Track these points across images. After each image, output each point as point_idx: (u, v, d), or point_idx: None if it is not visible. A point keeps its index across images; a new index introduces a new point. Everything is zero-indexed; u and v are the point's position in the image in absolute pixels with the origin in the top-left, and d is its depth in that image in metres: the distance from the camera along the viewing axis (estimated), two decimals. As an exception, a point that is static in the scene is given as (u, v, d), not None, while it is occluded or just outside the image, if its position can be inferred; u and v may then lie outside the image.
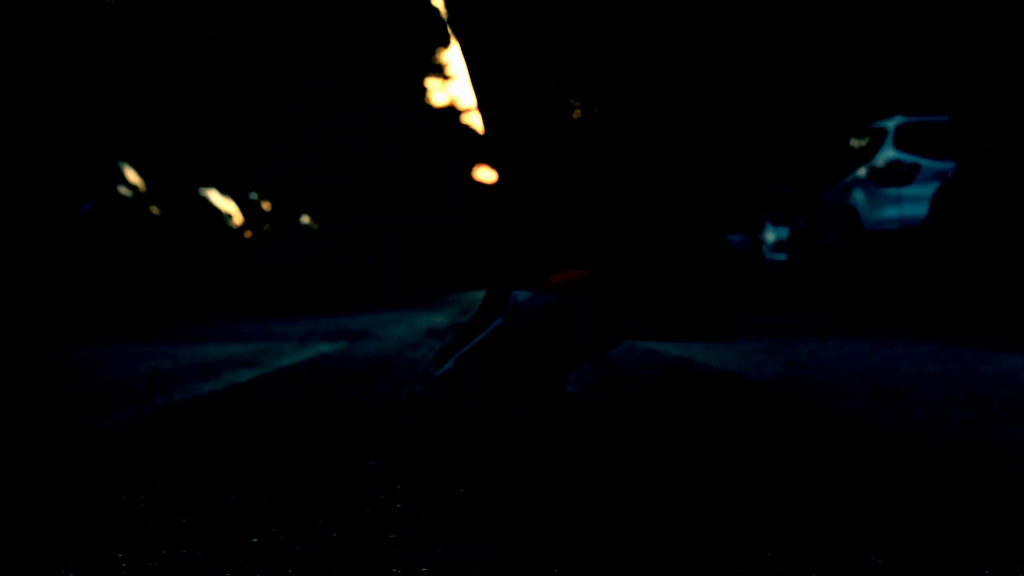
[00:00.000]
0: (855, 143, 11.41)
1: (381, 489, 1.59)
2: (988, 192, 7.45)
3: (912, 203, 9.85)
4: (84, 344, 5.68)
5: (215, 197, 15.54)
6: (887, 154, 10.20)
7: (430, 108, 33.18)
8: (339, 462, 1.82)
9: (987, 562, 1.16)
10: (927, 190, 9.66)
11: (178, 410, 2.60)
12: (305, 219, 20.24)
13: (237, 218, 16.26)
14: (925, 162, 9.98)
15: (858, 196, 10.45)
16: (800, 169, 20.44)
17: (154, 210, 12.25)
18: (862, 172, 10.55)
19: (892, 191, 10.02)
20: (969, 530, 1.30)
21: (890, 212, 10.00)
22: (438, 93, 32.86)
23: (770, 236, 17.07)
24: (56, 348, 5.37)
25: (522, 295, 1.97)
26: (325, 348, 5.09)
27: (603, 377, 3.37)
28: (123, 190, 11.48)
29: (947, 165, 9.68)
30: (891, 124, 10.55)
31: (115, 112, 19.01)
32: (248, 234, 16.62)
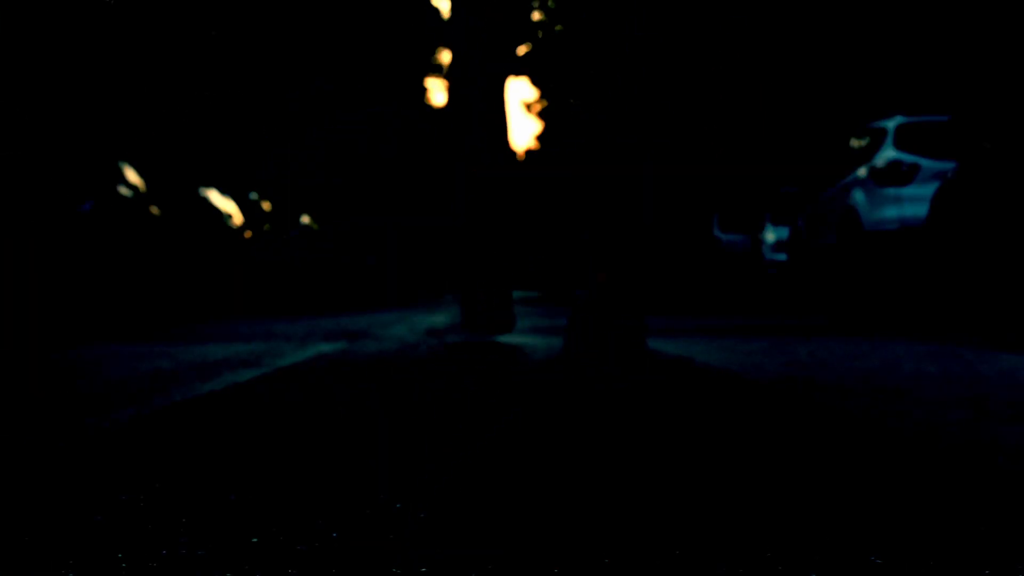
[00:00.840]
0: (855, 143, 11.41)
1: (381, 489, 1.59)
2: (988, 192, 7.45)
3: (912, 203, 9.85)
4: (84, 344, 5.68)
5: (215, 197, 15.54)
6: (887, 154, 10.20)
7: (430, 108, 33.20)
8: (339, 462, 1.82)
9: (987, 562, 1.16)
10: (927, 190, 9.66)
11: (178, 410, 2.60)
12: (305, 219, 20.25)
13: (237, 218, 16.26)
14: (925, 162, 9.97)
15: (858, 196, 10.45)
16: (800, 169, 20.44)
17: (154, 210, 12.25)
18: (862, 172, 10.55)
19: (892, 191, 10.01)
20: (969, 530, 1.30)
21: (890, 212, 9.99)
22: (438, 93, 32.85)
23: (770, 236, 17.06)
24: (56, 348, 5.37)
25: None
26: (325, 348, 5.09)
27: (602, 375, 3.37)
28: (123, 190, 11.48)
29: (947, 165, 9.68)
30: (891, 124, 10.55)
31: (115, 112, 19.00)
32: (248, 234, 16.63)
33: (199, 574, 1.15)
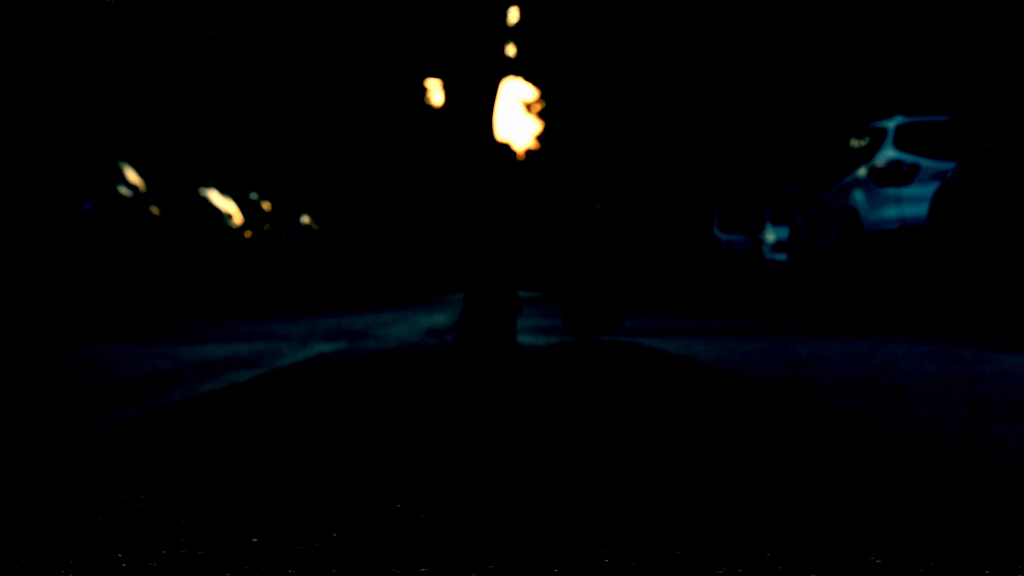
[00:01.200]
0: (855, 143, 11.41)
1: (381, 489, 1.59)
2: (988, 192, 7.45)
3: (912, 203, 9.86)
4: (84, 344, 5.68)
5: (215, 197, 15.54)
6: (887, 154, 10.20)
7: (430, 108, 33.20)
8: (339, 462, 1.82)
9: (987, 562, 1.16)
10: (927, 190, 9.67)
11: (178, 410, 2.60)
12: (305, 219, 20.24)
13: (237, 218, 16.26)
14: (925, 162, 9.98)
15: (858, 196, 10.45)
16: (800, 169, 20.45)
17: (154, 210, 12.25)
18: (862, 172, 10.55)
19: (892, 191, 10.02)
20: (969, 530, 1.30)
21: (890, 212, 10.00)
22: (438, 93, 32.89)
23: (770, 236, 17.07)
24: (56, 347, 5.37)
25: None
26: (325, 348, 5.09)
27: (603, 375, 3.37)
28: (123, 190, 11.48)
29: (947, 165, 9.69)
30: (891, 124, 10.55)
31: (115, 112, 19.00)
32: (248, 234, 16.63)
33: (199, 574, 1.15)
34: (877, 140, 10.70)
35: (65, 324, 8.39)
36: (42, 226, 10.02)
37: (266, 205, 18.46)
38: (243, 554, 1.23)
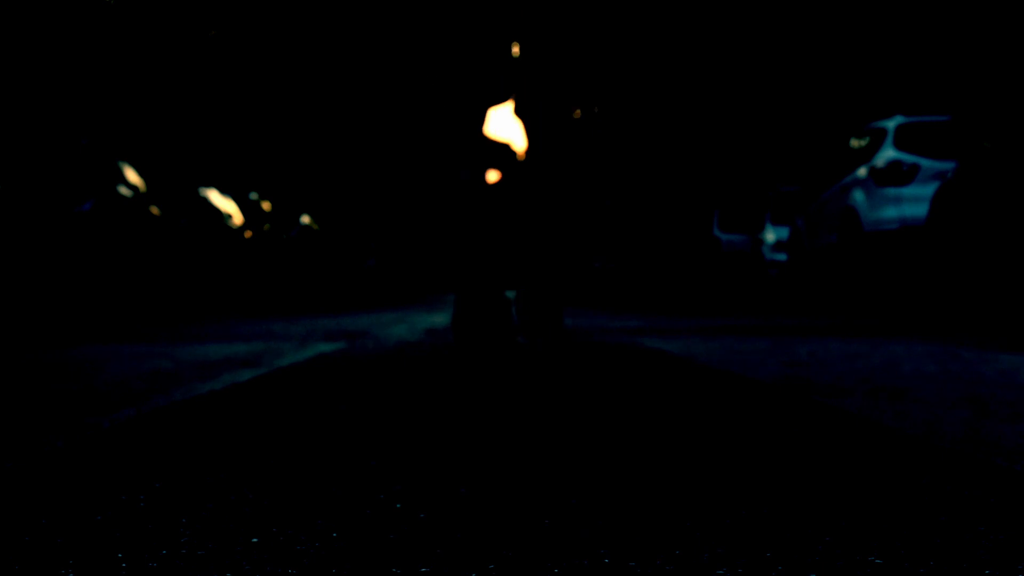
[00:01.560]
0: (855, 143, 11.41)
1: (381, 489, 1.59)
2: (988, 192, 7.45)
3: (912, 203, 9.86)
4: (84, 344, 5.68)
5: (215, 197, 15.54)
6: (887, 154, 10.20)
7: (430, 108, 33.18)
8: (339, 462, 1.82)
9: (987, 562, 1.16)
10: (927, 190, 9.67)
11: (178, 410, 2.60)
12: (305, 219, 20.24)
13: (237, 218, 16.25)
14: (925, 162, 9.98)
15: (858, 196, 10.45)
16: (800, 169, 20.45)
17: (154, 210, 12.25)
18: (862, 172, 10.55)
19: (892, 191, 10.02)
20: (969, 530, 1.30)
21: (890, 212, 10.00)
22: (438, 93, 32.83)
23: (770, 236, 17.07)
24: (56, 347, 5.37)
25: None
26: (325, 348, 5.09)
27: (603, 374, 3.37)
28: (123, 190, 11.48)
29: (947, 165, 9.68)
30: (891, 124, 10.55)
31: (115, 112, 19.00)
32: (248, 234, 16.62)
33: (199, 574, 1.15)
34: (877, 140, 10.70)
35: (65, 324, 8.39)
36: (42, 226, 10.03)
37: (266, 205, 18.45)
38: (243, 554, 1.23)
